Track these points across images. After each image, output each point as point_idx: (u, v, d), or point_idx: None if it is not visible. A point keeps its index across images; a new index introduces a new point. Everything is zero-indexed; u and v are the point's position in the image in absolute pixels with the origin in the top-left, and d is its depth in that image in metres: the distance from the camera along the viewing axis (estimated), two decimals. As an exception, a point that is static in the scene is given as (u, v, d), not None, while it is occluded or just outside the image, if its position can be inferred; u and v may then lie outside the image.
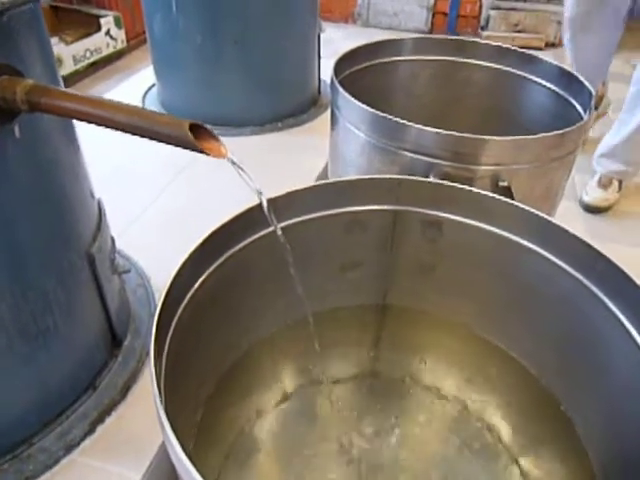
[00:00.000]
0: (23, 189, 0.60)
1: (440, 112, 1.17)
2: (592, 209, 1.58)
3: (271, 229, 0.62)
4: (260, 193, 0.49)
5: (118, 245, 1.00)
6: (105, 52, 2.29)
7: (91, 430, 0.74)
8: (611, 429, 0.63)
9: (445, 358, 0.83)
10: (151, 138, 0.45)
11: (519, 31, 2.81)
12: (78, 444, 0.72)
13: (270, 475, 0.76)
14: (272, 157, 1.37)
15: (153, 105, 1.61)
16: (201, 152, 0.44)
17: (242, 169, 0.47)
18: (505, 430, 0.79)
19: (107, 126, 0.47)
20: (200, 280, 0.62)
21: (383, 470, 0.75)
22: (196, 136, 0.44)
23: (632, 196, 1.66)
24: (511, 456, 0.77)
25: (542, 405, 0.73)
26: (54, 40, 2.08)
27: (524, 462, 0.76)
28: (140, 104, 1.60)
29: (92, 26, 2.23)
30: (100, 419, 0.75)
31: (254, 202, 0.60)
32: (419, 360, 0.85)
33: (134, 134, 0.45)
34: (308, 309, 0.62)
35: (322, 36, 1.62)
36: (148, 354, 0.51)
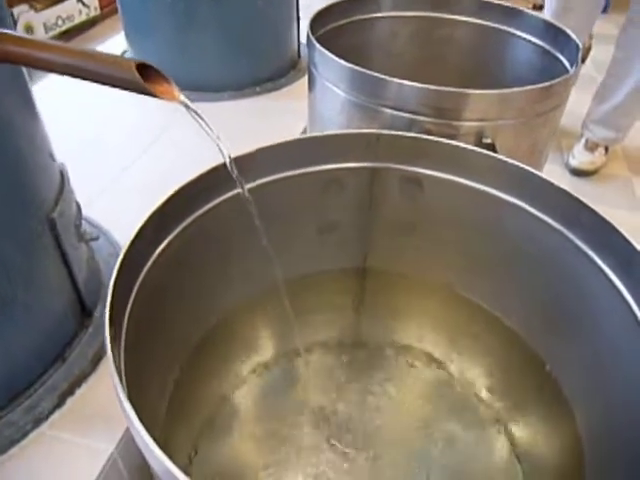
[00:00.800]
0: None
1: (421, 71, 1.13)
2: (579, 172, 1.55)
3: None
4: (218, 139, 0.45)
5: (89, 214, 0.96)
6: (77, 20, 2.20)
7: (60, 403, 0.71)
8: (597, 388, 0.62)
9: (428, 320, 0.81)
10: (96, 81, 0.41)
11: (505, -7, 2.74)
12: (47, 417, 0.69)
13: (249, 445, 0.74)
14: (250, 122, 1.32)
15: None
16: (151, 95, 0.41)
17: (197, 114, 0.43)
18: (490, 392, 0.77)
19: (51, 70, 0.43)
20: (164, 243, 0.59)
21: (367, 438, 0.74)
22: (146, 78, 0.40)
23: (618, 159, 1.64)
24: (497, 418, 0.76)
25: (527, 365, 0.71)
26: (24, 7, 1.99)
27: (510, 424, 0.75)
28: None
29: (63, -8, 2.14)
30: (70, 391, 0.72)
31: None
32: (402, 323, 0.83)
33: (77, 77, 0.41)
34: (278, 271, 0.59)
35: (302, 1, 1.57)
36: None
